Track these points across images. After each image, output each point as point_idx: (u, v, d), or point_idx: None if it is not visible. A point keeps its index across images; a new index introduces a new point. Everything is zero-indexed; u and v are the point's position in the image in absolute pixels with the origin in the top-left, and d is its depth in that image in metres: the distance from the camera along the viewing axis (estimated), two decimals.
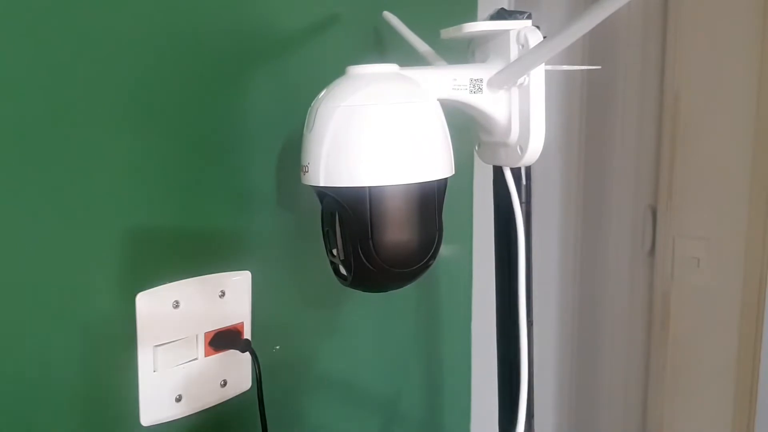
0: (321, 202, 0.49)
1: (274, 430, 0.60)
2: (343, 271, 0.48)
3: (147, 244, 0.53)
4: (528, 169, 0.54)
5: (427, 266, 0.48)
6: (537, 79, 0.49)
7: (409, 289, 0.51)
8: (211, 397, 0.57)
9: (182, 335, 0.55)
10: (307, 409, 0.68)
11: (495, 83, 0.50)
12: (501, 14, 0.51)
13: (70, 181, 0.48)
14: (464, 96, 0.50)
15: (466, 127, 0.55)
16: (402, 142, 0.44)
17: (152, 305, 0.53)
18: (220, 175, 0.57)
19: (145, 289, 0.52)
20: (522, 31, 0.49)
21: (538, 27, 0.49)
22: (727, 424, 1.14)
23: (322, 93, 0.47)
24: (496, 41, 0.51)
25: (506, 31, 0.49)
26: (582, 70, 1.19)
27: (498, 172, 0.55)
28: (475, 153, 0.58)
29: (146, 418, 0.53)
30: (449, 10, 0.76)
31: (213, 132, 0.56)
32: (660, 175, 1.15)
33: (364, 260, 0.45)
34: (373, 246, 0.45)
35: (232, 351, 0.57)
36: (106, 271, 0.51)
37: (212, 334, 0.57)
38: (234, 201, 0.58)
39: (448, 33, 0.53)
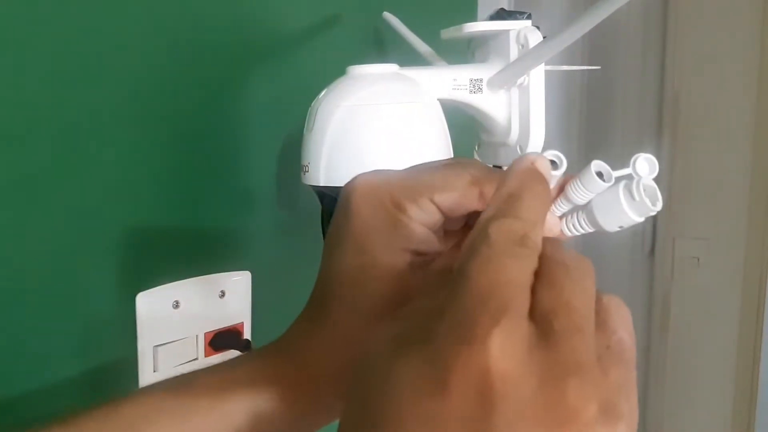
0: (321, 202, 0.49)
1: None
2: None
3: (146, 244, 0.53)
4: None
5: None
6: (537, 79, 0.49)
7: None
8: None
9: (182, 335, 0.55)
10: None
11: (495, 83, 0.50)
12: (501, 14, 0.51)
13: (69, 180, 0.48)
14: (464, 96, 0.50)
15: (466, 127, 0.55)
16: (402, 142, 0.44)
17: (152, 305, 0.53)
18: (220, 174, 0.57)
19: (144, 290, 0.52)
20: (522, 31, 0.49)
21: (537, 27, 0.49)
22: (726, 423, 1.14)
23: (323, 93, 0.47)
24: (496, 41, 0.51)
25: (506, 31, 0.49)
26: (582, 70, 1.19)
27: None
28: (475, 153, 0.58)
29: None
30: (449, 10, 0.76)
31: (213, 131, 0.56)
32: (660, 176, 1.15)
33: None
34: None
35: (232, 351, 0.57)
36: (105, 271, 0.51)
37: (212, 335, 0.57)
38: (234, 201, 0.58)
39: (448, 33, 0.53)
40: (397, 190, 0.28)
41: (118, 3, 0.49)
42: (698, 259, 1.13)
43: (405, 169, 0.30)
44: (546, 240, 0.22)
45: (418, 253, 0.28)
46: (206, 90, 0.55)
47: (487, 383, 0.17)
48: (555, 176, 0.26)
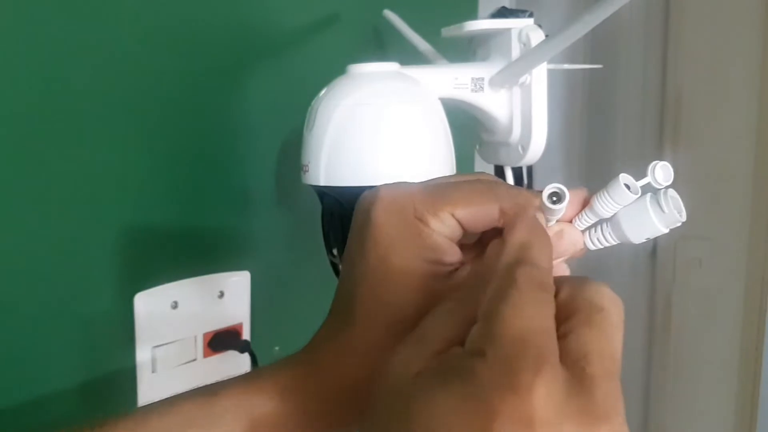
0: (321, 201, 0.49)
1: None
2: None
3: (145, 244, 0.52)
4: (529, 168, 0.54)
5: None
6: (539, 78, 0.48)
7: None
8: None
9: (181, 336, 0.54)
10: None
11: (496, 82, 0.49)
12: (502, 13, 0.50)
13: (69, 180, 0.48)
14: (466, 95, 0.49)
15: (467, 127, 0.54)
16: (403, 141, 0.44)
17: (151, 306, 0.52)
18: (220, 174, 0.57)
19: (143, 290, 0.52)
20: (524, 29, 0.48)
21: (539, 25, 0.48)
22: (729, 424, 1.14)
23: (323, 92, 0.46)
24: (498, 40, 0.50)
25: (508, 30, 0.49)
26: (583, 69, 1.18)
27: (499, 171, 0.55)
28: (476, 152, 0.58)
29: None
30: (450, 8, 0.76)
31: (212, 131, 0.56)
32: None
33: None
34: None
35: (231, 352, 0.57)
36: (104, 271, 0.50)
37: (211, 335, 0.56)
38: (233, 201, 0.58)
39: (449, 31, 0.53)
40: (419, 202, 0.28)
41: (117, 4, 0.49)
42: (700, 261, 1.13)
43: (427, 182, 0.30)
44: (580, 280, 0.23)
45: (440, 263, 0.28)
46: (206, 90, 0.55)
47: (531, 429, 0.18)
48: (558, 210, 0.26)
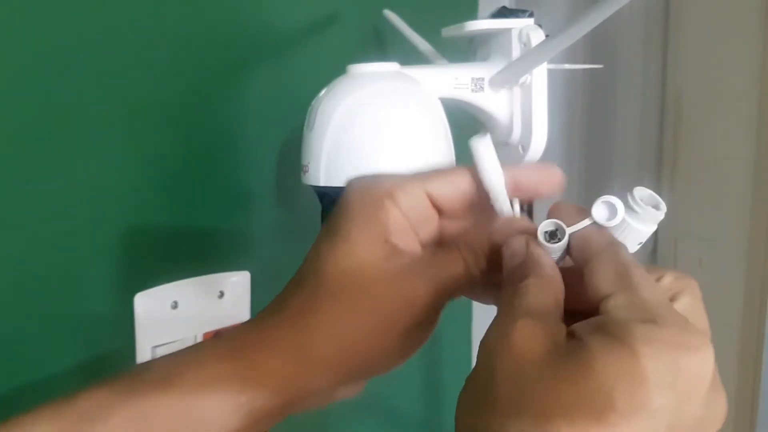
0: (321, 202, 0.49)
1: (272, 430, 0.60)
2: None
3: (145, 244, 0.52)
4: None
5: None
6: (539, 78, 0.48)
7: None
8: None
9: (181, 336, 0.54)
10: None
11: (497, 82, 0.49)
12: (502, 12, 0.51)
13: (68, 180, 0.48)
14: (466, 95, 0.49)
15: (467, 127, 0.54)
16: (403, 141, 0.44)
17: (150, 306, 0.52)
18: (220, 174, 0.57)
19: (143, 290, 0.52)
20: (524, 29, 0.48)
21: (540, 25, 0.48)
22: (729, 425, 1.14)
23: (323, 92, 0.46)
24: (498, 40, 0.50)
25: (508, 30, 0.49)
26: (583, 69, 1.18)
27: None
28: None
29: None
30: (450, 8, 0.76)
31: (212, 131, 0.56)
32: (662, 176, 1.14)
33: None
34: None
35: None
36: (103, 271, 0.50)
37: (211, 335, 0.56)
38: (233, 201, 0.58)
39: (449, 31, 0.53)
40: (390, 182, 0.30)
41: (117, 3, 0.49)
42: (700, 260, 1.13)
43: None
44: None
45: (390, 243, 0.29)
46: (205, 89, 0.55)
47: (703, 386, 0.21)
48: (555, 248, 0.26)
